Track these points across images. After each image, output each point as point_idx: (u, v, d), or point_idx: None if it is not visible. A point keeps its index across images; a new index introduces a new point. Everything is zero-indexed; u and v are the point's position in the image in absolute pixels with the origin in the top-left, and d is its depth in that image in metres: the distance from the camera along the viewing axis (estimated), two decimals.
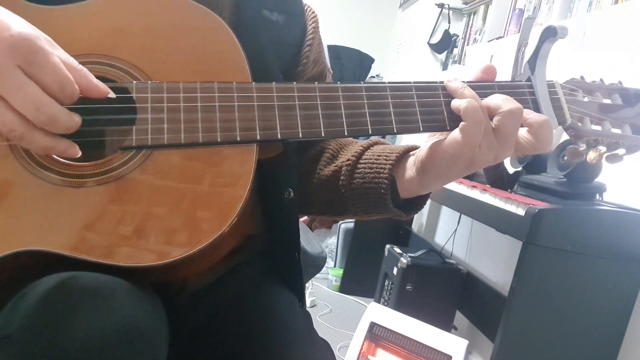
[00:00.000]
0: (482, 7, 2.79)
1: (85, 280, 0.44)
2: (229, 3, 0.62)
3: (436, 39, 3.15)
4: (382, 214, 0.64)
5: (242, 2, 0.63)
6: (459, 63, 2.94)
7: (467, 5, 2.99)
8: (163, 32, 0.53)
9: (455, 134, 0.53)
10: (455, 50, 3.04)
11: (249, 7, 0.63)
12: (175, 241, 0.49)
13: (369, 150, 0.65)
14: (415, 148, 0.62)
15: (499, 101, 0.54)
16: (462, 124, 0.53)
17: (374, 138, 0.67)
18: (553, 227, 1.25)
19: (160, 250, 0.48)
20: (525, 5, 2.29)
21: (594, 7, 1.79)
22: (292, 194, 0.66)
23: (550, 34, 0.58)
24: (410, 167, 0.60)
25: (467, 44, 2.92)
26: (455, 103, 0.54)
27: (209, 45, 0.54)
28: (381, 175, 0.61)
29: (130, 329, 0.43)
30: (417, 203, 0.64)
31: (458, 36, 3.04)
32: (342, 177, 0.65)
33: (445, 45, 3.09)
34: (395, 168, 0.61)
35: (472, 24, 2.94)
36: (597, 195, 1.38)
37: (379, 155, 0.63)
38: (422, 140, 0.61)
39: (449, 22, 3.09)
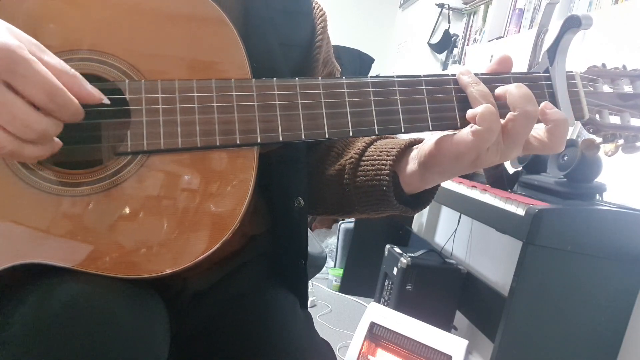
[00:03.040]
0: (482, 7, 2.79)
1: (87, 287, 0.44)
2: (236, 3, 0.60)
3: (436, 39, 3.14)
4: (388, 211, 0.62)
5: (250, 3, 0.61)
6: (459, 63, 2.94)
7: (467, 5, 2.98)
8: (155, 24, 0.50)
9: (465, 134, 0.51)
10: (455, 50, 3.04)
11: (257, 8, 0.62)
12: (170, 254, 0.47)
13: (371, 146, 0.64)
14: (418, 141, 0.60)
15: (516, 98, 0.51)
16: (476, 127, 0.50)
17: None
18: (553, 227, 1.25)
19: (156, 264, 0.47)
20: (525, 5, 2.29)
21: (594, 7, 1.79)
22: (302, 202, 0.65)
23: (572, 24, 0.55)
24: (413, 160, 0.59)
25: (467, 44, 2.91)
26: (470, 113, 0.52)
27: (206, 37, 0.51)
28: (383, 171, 0.60)
29: (131, 336, 0.43)
30: (424, 198, 0.63)
31: (458, 36, 3.04)
32: (345, 176, 0.63)
33: (445, 45, 3.08)
34: (397, 163, 0.60)
35: (472, 24, 2.94)
36: (597, 195, 1.37)
37: (380, 151, 0.62)
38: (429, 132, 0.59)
39: (449, 22, 3.09)
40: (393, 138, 0.66)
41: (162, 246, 0.47)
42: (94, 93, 0.44)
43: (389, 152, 0.61)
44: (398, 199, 0.60)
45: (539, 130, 0.53)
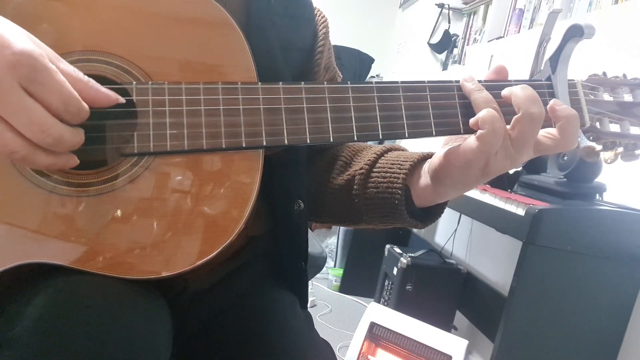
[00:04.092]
0: (482, 7, 2.79)
1: (91, 287, 0.44)
2: (238, 5, 0.61)
3: (436, 39, 3.14)
4: (396, 224, 0.62)
5: (252, 5, 0.62)
6: (459, 63, 2.94)
7: (467, 5, 2.98)
8: (162, 26, 0.50)
9: (471, 141, 0.50)
10: (455, 50, 3.04)
11: (259, 10, 0.62)
12: (174, 256, 0.47)
13: (382, 158, 0.63)
14: (430, 155, 0.59)
15: (520, 99, 0.51)
16: (480, 131, 0.50)
17: (388, 143, 0.65)
18: (553, 227, 1.25)
19: (160, 265, 0.47)
20: (525, 5, 2.29)
21: (594, 7, 1.79)
22: (302, 205, 0.65)
23: (575, 33, 0.55)
24: (425, 174, 0.58)
25: (467, 44, 2.91)
26: (473, 120, 0.51)
27: (212, 40, 0.51)
28: (395, 185, 0.59)
29: (134, 334, 0.43)
30: (433, 212, 0.62)
31: (458, 36, 3.04)
32: (355, 187, 0.63)
33: (445, 45, 3.08)
34: (410, 176, 0.59)
35: (472, 24, 2.94)
36: (597, 195, 1.38)
37: (392, 164, 0.61)
38: (438, 146, 0.59)
39: (449, 22, 3.09)
40: (403, 150, 0.65)
41: (170, 249, 0.48)
42: (110, 95, 0.45)
43: (401, 165, 0.60)
44: (408, 213, 0.60)
45: (550, 129, 0.53)
